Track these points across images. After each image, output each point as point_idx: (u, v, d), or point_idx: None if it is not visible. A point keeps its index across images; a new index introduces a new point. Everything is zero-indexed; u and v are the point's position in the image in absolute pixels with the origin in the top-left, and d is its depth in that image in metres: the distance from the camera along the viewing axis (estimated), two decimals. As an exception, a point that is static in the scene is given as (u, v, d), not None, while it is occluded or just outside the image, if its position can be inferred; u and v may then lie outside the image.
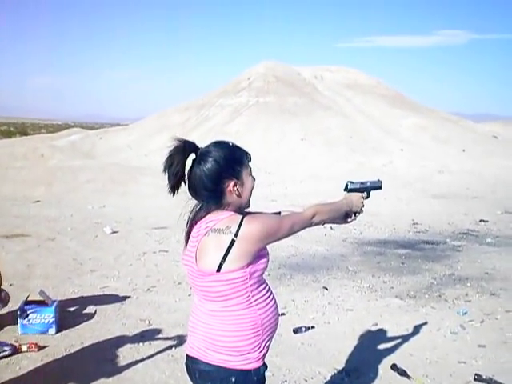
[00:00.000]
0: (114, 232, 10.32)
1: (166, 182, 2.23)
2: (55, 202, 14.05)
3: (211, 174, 2.19)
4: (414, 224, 12.16)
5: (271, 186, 16.83)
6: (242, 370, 2.19)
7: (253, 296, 2.19)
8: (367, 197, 2.69)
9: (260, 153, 20.48)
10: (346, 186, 2.67)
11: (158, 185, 15.70)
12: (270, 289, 2.33)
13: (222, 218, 2.17)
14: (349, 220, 2.64)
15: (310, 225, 2.35)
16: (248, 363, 2.19)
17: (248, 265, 2.14)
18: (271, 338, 2.30)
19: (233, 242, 2.10)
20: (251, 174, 2.31)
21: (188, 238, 2.31)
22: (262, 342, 2.23)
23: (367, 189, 2.69)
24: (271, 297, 2.30)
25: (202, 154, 2.23)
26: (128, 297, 6.50)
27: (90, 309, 6.05)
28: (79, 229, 10.57)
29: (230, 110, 29.58)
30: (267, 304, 2.25)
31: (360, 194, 2.64)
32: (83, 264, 7.95)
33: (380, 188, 2.75)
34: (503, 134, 33.26)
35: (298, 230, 2.31)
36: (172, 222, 11.02)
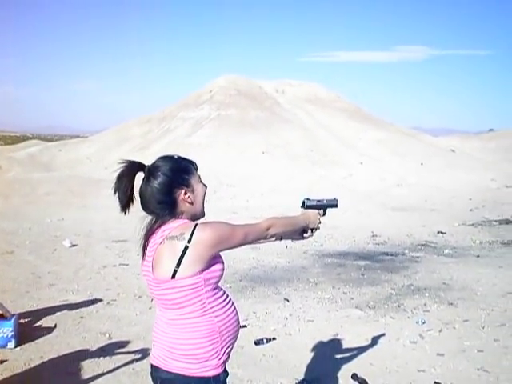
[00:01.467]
0: (74, 245, 10.18)
1: (118, 203, 2.29)
2: (13, 215, 13.78)
3: (162, 187, 2.25)
4: (373, 236, 12.32)
5: (233, 199, 16.86)
6: (201, 377, 2.20)
7: (209, 303, 2.21)
8: (323, 214, 2.74)
9: (222, 166, 20.53)
10: (303, 202, 2.71)
11: (119, 197, 15.62)
12: (228, 296, 2.35)
13: (176, 226, 2.21)
14: (305, 236, 2.69)
15: (265, 237, 2.39)
16: (207, 370, 2.21)
17: (202, 271, 2.17)
18: (232, 345, 2.32)
19: (186, 247, 2.13)
20: (201, 181, 2.37)
21: (145, 250, 2.33)
22: (221, 349, 2.25)
23: (324, 206, 2.73)
24: (229, 304, 2.32)
25: (150, 171, 2.29)
26: (88, 310, 6.41)
27: (49, 322, 5.95)
28: (38, 242, 10.40)
29: (192, 122, 29.54)
30: (225, 311, 2.27)
31: (317, 211, 2.69)
32: (42, 277, 7.82)
33: (336, 206, 2.80)
34: (460, 148, 34.06)
35: (253, 241, 2.36)
36: (132, 235, 10.93)
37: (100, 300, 6.84)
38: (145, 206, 2.29)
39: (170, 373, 2.23)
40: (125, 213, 2.30)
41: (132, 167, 2.30)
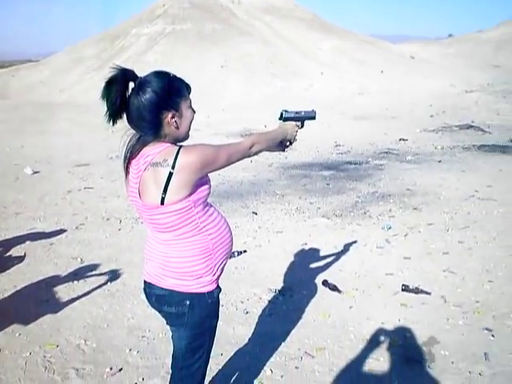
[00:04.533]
0: (36, 172, 10.00)
1: (105, 110, 2.13)
2: (-31, 145, 13.41)
3: (149, 105, 2.12)
4: (336, 146, 12.41)
5: (194, 116, 16.62)
6: (196, 293, 2.26)
7: (201, 222, 2.21)
8: (301, 126, 2.69)
9: (180, 82, 20.11)
10: (281, 114, 2.66)
11: (77, 121, 15.34)
12: (218, 212, 2.36)
13: (158, 151, 2.13)
14: (284, 149, 2.67)
15: (249, 155, 2.36)
16: (201, 286, 2.26)
17: (190, 194, 2.14)
18: (225, 260, 2.36)
19: (171, 174, 2.08)
20: (191, 107, 2.28)
21: (127, 171, 2.28)
22: (215, 265, 2.28)
23: (301, 118, 2.68)
24: (221, 220, 2.34)
25: (140, 84, 2.15)
26: (57, 236, 6.38)
27: (18, 252, 5.90)
28: (-2, 171, 10.18)
29: (146, 39, 28.69)
30: (218, 228, 2.29)
31: (294, 123, 2.64)
32: (7, 207, 7.69)
33: (314, 118, 2.76)
34: (420, 54, 33.94)
35: (237, 160, 2.32)
36: (94, 158, 10.78)
37: (68, 225, 6.79)
38: (129, 119, 2.18)
39: (165, 289, 2.28)
40: (113, 123, 2.16)
41: (124, 75, 2.14)
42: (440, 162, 10.34)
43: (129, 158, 2.24)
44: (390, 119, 16.76)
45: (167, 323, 2.44)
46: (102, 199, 7.95)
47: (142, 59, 25.45)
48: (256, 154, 2.41)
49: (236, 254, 5.64)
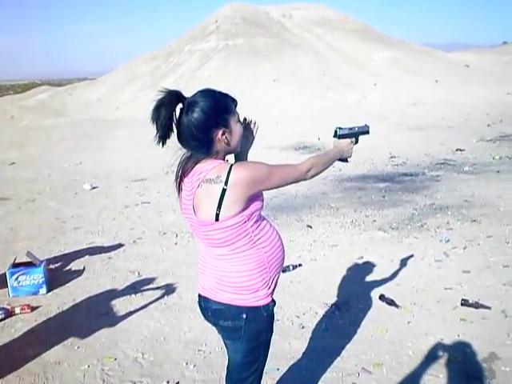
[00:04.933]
0: (94, 188, 10.24)
1: (155, 133, 2.18)
2: (31, 163, 13.83)
3: (199, 125, 2.16)
4: (391, 157, 12.25)
5: (247, 130, 16.69)
6: (252, 306, 2.28)
7: (255, 236, 2.24)
8: (356, 142, 2.70)
9: (233, 97, 20.26)
10: (336, 132, 2.67)
11: (133, 137, 15.63)
12: (271, 225, 2.38)
13: (211, 168, 2.16)
14: (342, 163, 2.73)
15: (305, 179, 2.39)
16: (257, 300, 2.28)
17: (243, 209, 2.16)
18: (279, 273, 2.38)
19: (224, 190, 2.11)
20: (239, 121, 2.31)
21: (180, 188, 2.31)
22: (270, 278, 2.30)
23: (356, 134, 2.69)
24: (274, 233, 2.36)
25: (188, 105, 2.19)
26: (115, 250, 6.51)
27: (78, 266, 6.05)
28: (58, 188, 10.47)
29: (200, 55, 29.05)
30: (271, 241, 2.31)
31: (349, 141, 2.66)
32: (66, 222, 7.90)
33: (368, 133, 2.76)
34: (475, 63, 33.21)
35: (292, 182, 2.35)
36: (151, 173, 10.97)
37: (126, 240, 6.92)
38: (181, 138, 2.22)
39: (221, 303, 2.30)
40: (162, 145, 2.21)
41: (171, 97, 2.18)
42: (498, 172, 10.06)
43: (181, 176, 2.28)
44: (445, 129, 16.43)
45: (223, 337, 2.48)
46: (158, 213, 8.07)
47: (195, 75, 25.79)
48: (313, 177, 2.42)
49: (291, 267, 5.62)
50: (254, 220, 2.23)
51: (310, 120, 18.65)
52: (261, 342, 2.40)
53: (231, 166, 2.15)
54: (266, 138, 15.52)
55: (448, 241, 6.23)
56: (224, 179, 2.11)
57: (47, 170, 12.57)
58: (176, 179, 2.31)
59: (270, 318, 2.39)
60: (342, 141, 2.65)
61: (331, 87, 24.21)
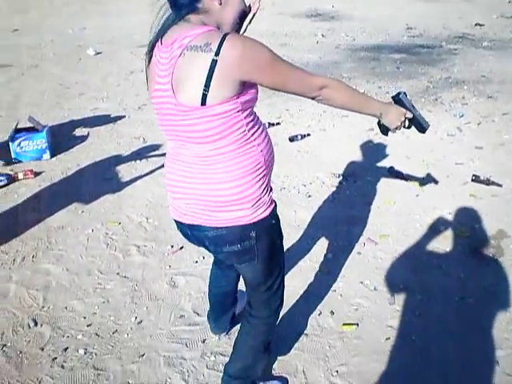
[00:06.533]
0: (98, 53, 9.88)
1: None
2: (34, 29, 13.25)
3: None
4: (408, 28, 11.73)
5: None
6: (259, 220, 1.85)
7: (249, 130, 1.75)
8: (408, 127, 2.18)
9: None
10: (398, 94, 2.14)
11: (139, 0, 14.92)
12: (261, 122, 1.90)
13: (199, 33, 1.63)
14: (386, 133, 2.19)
15: (313, 97, 1.82)
16: (263, 211, 1.85)
17: (236, 95, 1.65)
18: (270, 175, 1.95)
19: (214, 62, 1.57)
20: None
21: (151, 53, 1.79)
22: (268, 182, 1.90)
23: (414, 115, 2.14)
24: (265, 130, 1.89)
25: None
26: (120, 116, 6.35)
27: (82, 131, 5.91)
28: (62, 53, 10.08)
29: None
30: (264, 138, 1.84)
31: (404, 112, 2.09)
32: (70, 88, 7.65)
33: (423, 131, 2.22)
34: None
35: (294, 91, 1.78)
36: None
37: (131, 106, 6.74)
38: None
39: (219, 228, 1.84)
40: None
41: None
42: (519, 48, 9.66)
43: (155, 43, 1.77)
44: (464, 2, 15.63)
45: (229, 263, 2.12)
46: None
47: None
48: (324, 102, 1.86)
49: (299, 137, 5.49)
50: (248, 112, 1.73)
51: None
52: (277, 248, 2.03)
53: (225, 34, 1.61)
54: (277, 3, 14.86)
55: (462, 116, 6.05)
56: (215, 48, 1.57)
57: (50, 35, 12.07)
58: (148, 45, 1.80)
59: (278, 220, 1.98)
60: (396, 106, 2.10)
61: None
